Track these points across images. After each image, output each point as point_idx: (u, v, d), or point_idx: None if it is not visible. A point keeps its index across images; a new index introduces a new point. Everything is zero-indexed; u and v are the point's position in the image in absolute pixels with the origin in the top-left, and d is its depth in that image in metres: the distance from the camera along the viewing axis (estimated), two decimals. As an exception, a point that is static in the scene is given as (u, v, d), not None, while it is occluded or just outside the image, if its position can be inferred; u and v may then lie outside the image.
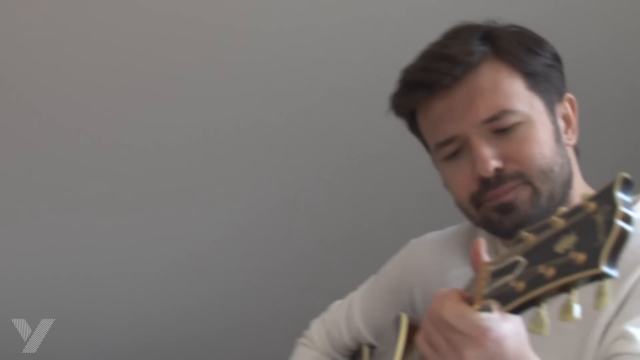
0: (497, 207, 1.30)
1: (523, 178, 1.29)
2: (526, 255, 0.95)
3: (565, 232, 0.90)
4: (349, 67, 2.44)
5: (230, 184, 2.60)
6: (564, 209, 0.93)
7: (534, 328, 0.92)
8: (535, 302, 0.92)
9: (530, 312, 0.93)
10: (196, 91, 2.45)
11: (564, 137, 1.34)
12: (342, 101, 2.50)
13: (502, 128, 1.29)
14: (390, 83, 1.37)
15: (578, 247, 0.87)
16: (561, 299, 0.90)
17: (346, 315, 1.63)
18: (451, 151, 1.32)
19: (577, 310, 0.88)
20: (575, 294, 0.88)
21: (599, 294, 0.86)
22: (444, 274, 1.44)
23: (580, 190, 1.34)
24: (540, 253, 0.92)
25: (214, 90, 2.45)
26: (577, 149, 1.38)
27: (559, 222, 0.92)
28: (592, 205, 0.89)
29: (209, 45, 2.39)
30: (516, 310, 0.94)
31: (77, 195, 2.54)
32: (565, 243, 0.89)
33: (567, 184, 1.32)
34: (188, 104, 2.47)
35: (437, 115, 1.32)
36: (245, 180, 2.60)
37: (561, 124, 1.34)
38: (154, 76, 2.40)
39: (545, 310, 0.92)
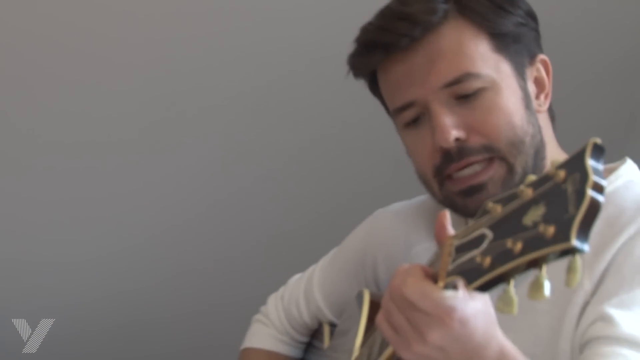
0: (465, 190, 1.22)
1: (492, 152, 1.21)
2: (492, 227, 0.89)
3: (533, 202, 0.84)
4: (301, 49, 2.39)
5: (187, 166, 2.54)
6: (532, 177, 0.87)
7: (502, 307, 0.86)
8: (503, 278, 0.86)
9: (498, 290, 0.87)
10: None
11: (535, 103, 1.25)
12: (295, 82, 2.44)
13: (464, 94, 1.21)
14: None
15: (547, 219, 0.81)
16: (531, 275, 0.84)
17: (305, 290, 1.55)
18: (411, 117, 1.25)
19: (547, 287, 0.82)
20: (545, 270, 0.83)
21: (570, 270, 0.80)
22: (410, 247, 1.38)
23: (556, 158, 1.26)
24: (507, 226, 0.87)
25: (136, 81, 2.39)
26: (552, 114, 1.30)
27: (527, 192, 0.86)
28: (561, 174, 0.83)
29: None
30: (483, 288, 0.88)
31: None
32: (534, 215, 0.83)
33: (538, 154, 1.24)
34: (119, 98, 2.40)
35: (396, 78, 1.25)
36: (201, 163, 2.53)
37: (532, 88, 1.26)
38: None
39: (514, 288, 0.86)
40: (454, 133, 1.20)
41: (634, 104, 2.54)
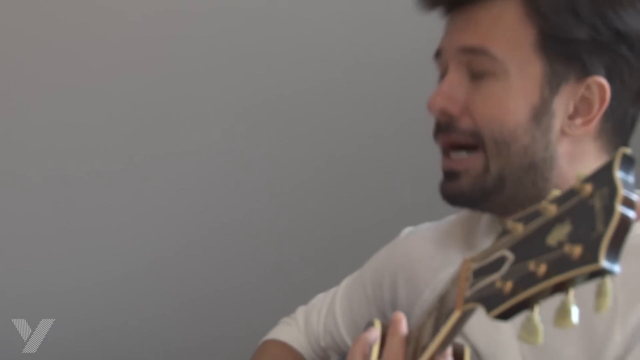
0: (445, 172, 1.21)
1: (477, 139, 1.17)
2: (513, 249, 0.82)
3: (558, 220, 0.77)
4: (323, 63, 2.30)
5: (190, 186, 2.46)
6: (556, 193, 0.80)
7: (526, 336, 0.78)
8: (526, 304, 0.78)
9: (520, 317, 0.80)
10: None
11: (560, 122, 1.16)
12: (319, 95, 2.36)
13: (476, 71, 1.17)
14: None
15: (573, 239, 0.74)
16: (557, 300, 0.77)
17: (329, 304, 1.51)
18: (440, 69, 1.24)
19: (575, 314, 0.75)
20: (572, 294, 0.75)
21: (599, 294, 0.72)
22: (436, 272, 1.31)
23: None
24: (529, 246, 0.79)
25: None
26: (612, 143, 1.20)
27: (551, 209, 0.79)
28: (587, 188, 0.75)
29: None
30: (504, 315, 0.80)
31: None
32: (559, 234, 0.76)
33: (535, 171, 1.16)
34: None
35: (446, 24, 1.24)
36: (204, 183, 2.46)
37: (564, 106, 1.16)
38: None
39: (538, 315, 0.78)
40: (443, 103, 1.18)
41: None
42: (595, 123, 1.17)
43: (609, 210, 0.72)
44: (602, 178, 0.75)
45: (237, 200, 2.47)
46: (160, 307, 2.52)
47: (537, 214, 0.81)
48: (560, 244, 0.75)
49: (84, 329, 2.50)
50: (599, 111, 1.16)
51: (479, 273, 0.85)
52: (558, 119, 1.16)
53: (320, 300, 1.54)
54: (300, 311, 1.57)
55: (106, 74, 2.30)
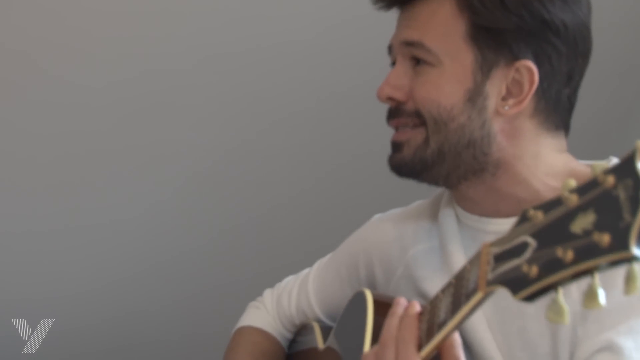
0: (392, 143, 1.32)
1: (420, 118, 1.27)
2: (535, 235, 0.87)
3: (580, 209, 0.82)
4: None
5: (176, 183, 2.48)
6: (572, 183, 0.85)
7: (553, 317, 0.84)
8: (551, 287, 0.84)
9: (545, 299, 0.86)
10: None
11: (494, 103, 1.25)
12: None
13: (416, 59, 1.28)
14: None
15: (600, 227, 0.80)
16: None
17: (300, 285, 1.58)
18: (391, 57, 1.35)
19: (602, 295, 0.81)
20: (598, 279, 0.81)
21: (630, 279, 0.79)
22: (406, 250, 1.39)
23: (534, 171, 1.27)
24: (552, 234, 0.85)
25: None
26: (551, 124, 1.28)
27: (572, 199, 0.84)
28: (610, 179, 0.81)
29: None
30: (530, 298, 0.86)
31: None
32: (583, 222, 0.81)
33: (473, 148, 1.26)
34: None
35: (397, 20, 1.35)
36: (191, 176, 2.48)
37: (497, 89, 1.25)
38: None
39: (563, 297, 0.84)
40: (389, 91, 1.29)
41: (630, 98, 2.53)
42: (527, 103, 1.25)
43: (635, 200, 0.77)
44: (625, 170, 0.80)
45: (231, 200, 2.51)
46: (159, 307, 2.54)
47: (557, 203, 0.86)
48: (587, 232, 0.80)
49: (83, 329, 2.50)
50: (529, 92, 1.25)
51: (501, 257, 0.90)
52: (492, 100, 1.26)
53: (291, 283, 1.61)
54: (268, 294, 1.63)
55: (101, 73, 2.30)
